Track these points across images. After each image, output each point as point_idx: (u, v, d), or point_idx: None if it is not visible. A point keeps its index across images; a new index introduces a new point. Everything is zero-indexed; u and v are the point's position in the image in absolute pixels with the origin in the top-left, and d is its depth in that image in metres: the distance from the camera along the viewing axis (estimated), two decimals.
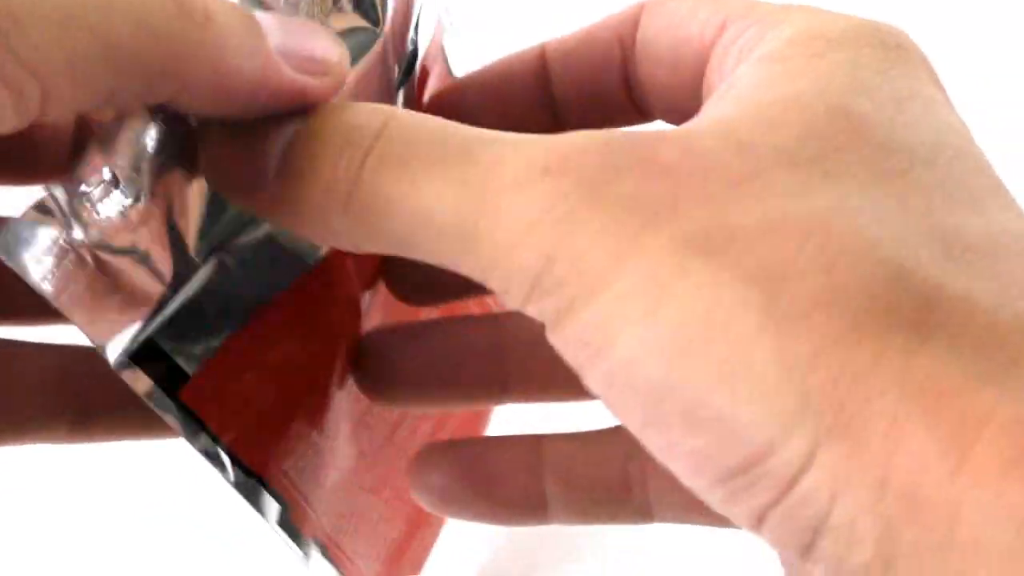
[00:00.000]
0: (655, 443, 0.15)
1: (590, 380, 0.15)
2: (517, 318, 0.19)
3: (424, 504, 0.24)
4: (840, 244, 0.14)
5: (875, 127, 0.16)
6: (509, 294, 0.15)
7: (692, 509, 0.22)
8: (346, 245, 0.17)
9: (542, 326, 0.16)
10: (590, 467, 0.23)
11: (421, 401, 0.25)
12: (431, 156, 0.16)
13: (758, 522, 0.15)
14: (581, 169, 0.15)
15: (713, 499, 0.15)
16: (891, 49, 0.17)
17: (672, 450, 0.15)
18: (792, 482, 0.14)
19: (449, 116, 0.18)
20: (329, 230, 0.16)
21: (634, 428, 0.15)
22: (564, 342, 0.15)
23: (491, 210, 0.15)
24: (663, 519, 0.23)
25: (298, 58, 0.16)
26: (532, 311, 0.15)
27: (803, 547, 0.15)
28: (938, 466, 0.13)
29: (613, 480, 0.22)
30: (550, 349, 0.16)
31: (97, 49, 0.14)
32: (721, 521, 0.20)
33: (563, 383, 0.22)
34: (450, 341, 0.24)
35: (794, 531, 0.14)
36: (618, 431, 0.22)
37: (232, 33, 0.15)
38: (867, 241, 0.15)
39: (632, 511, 0.22)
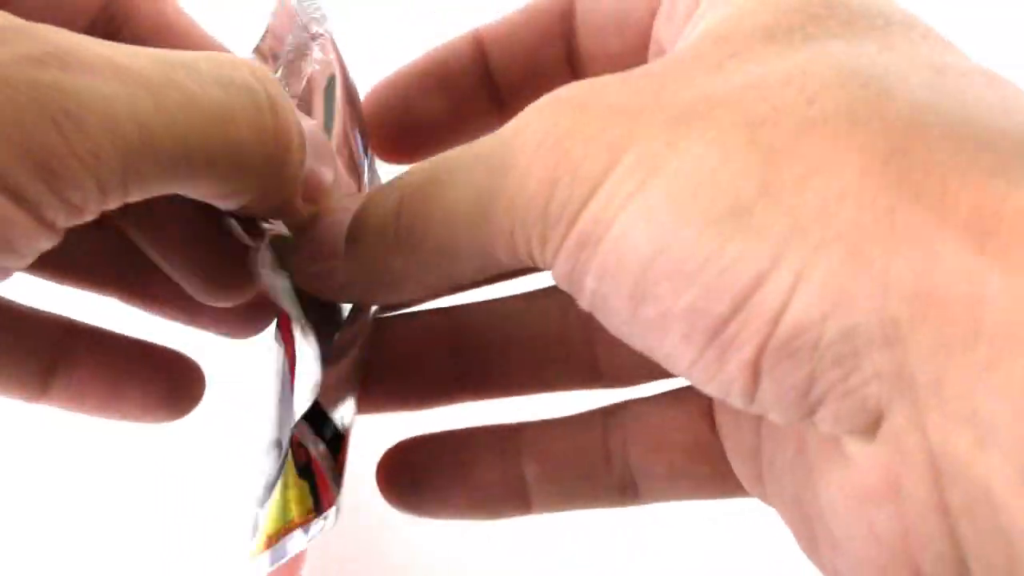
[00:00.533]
0: (646, 319, 0.15)
1: (587, 284, 0.16)
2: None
3: (397, 507, 0.23)
4: (821, 80, 0.15)
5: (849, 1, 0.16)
6: (532, 242, 0.16)
7: (676, 475, 0.21)
8: (412, 290, 0.19)
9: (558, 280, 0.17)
10: (568, 444, 0.22)
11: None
12: (438, 192, 0.17)
13: (752, 379, 0.15)
14: (570, 99, 0.16)
15: (705, 369, 0.15)
16: None
17: (663, 319, 0.15)
18: (781, 310, 0.14)
19: (392, 109, 0.21)
20: (392, 274, 0.18)
21: (625, 317, 0.16)
22: (567, 259, 0.16)
23: (498, 171, 0.16)
24: (647, 495, 0.22)
25: (312, 185, 0.19)
26: (550, 251, 0.16)
27: (801, 397, 0.14)
28: (954, 258, 0.13)
29: (593, 454, 0.22)
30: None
31: (181, 160, 0.16)
32: (708, 491, 0.21)
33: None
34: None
35: (789, 377, 0.14)
36: (594, 413, 0.22)
37: (301, 164, 0.18)
38: (849, 72, 0.15)
39: (615, 487, 0.22)
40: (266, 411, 0.21)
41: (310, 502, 0.20)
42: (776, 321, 0.14)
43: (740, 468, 0.20)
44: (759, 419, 0.19)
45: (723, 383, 0.15)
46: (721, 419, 0.21)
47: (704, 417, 0.21)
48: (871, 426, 0.14)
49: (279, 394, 0.21)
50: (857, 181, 0.14)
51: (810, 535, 0.17)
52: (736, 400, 0.15)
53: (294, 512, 0.20)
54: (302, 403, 0.19)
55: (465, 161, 0.17)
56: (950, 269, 0.13)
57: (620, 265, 0.15)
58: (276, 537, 0.20)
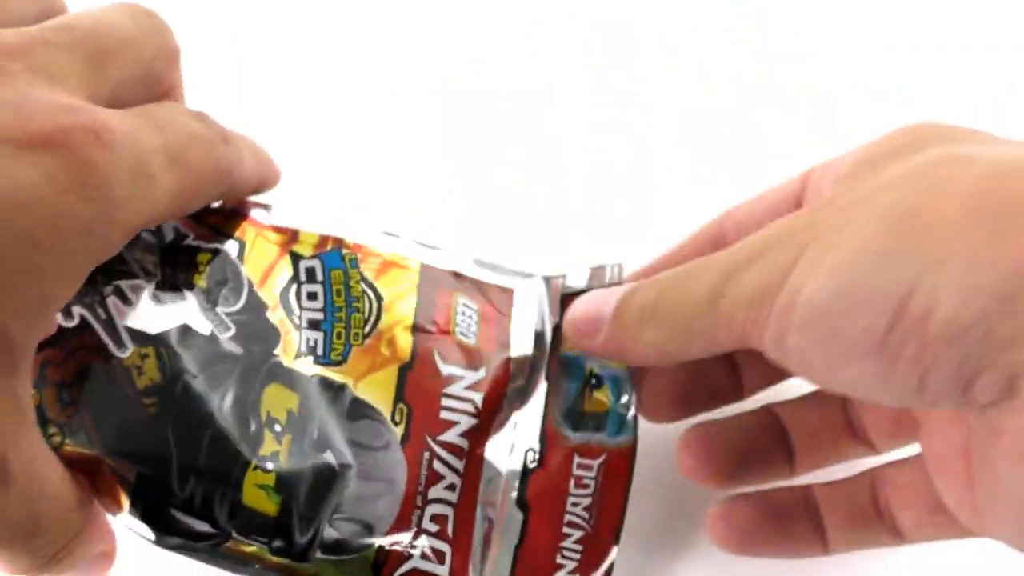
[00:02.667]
0: (836, 355, 0.21)
1: (790, 341, 0.22)
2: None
3: (732, 547, 0.29)
4: (911, 170, 0.22)
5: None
6: (747, 324, 0.23)
7: (923, 525, 0.27)
8: (655, 357, 0.26)
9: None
10: (849, 500, 0.28)
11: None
12: (685, 286, 0.25)
13: (918, 373, 0.20)
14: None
15: (885, 378, 0.21)
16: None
17: (847, 349, 0.21)
18: (929, 310, 0.19)
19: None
20: (643, 342, 0.25)
21: (822, 360, 0.21)
22: (774, 328, 0.22)
23: (724, 274, 0.24)
24: (912, 538, 0.27)
25: (268, 168, 0.28)
26: (760, 327, 0.22)
27: (959, 376, 0.20)
28: None
29: (867, 507, 0.28)
30: None
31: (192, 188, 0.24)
32: (945, 534, 0.27)
33: None
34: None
35: (947, 363, 0.20)
36: (864, 475, 0.28)
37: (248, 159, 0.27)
38: (958, 160, 0.21)
39: (887, 533, 0.28)
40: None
41: None
42: (927, 319, 0.19)
43: (962, 515, 0.25)
44: (968, 466, 0.24)
45: (899, 387, 0.21)
46: (940, 485, 0.26)
47: (869, 490, 0.28)
48: (1012, 391, 0.19)
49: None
50: (955, 221, 0.20)
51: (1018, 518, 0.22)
52: (912, 398, 0.21)
53: None
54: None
55: (703, 267, 0.24)
56: None
57: (811, 316, 0.21)
58: None
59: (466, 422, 0.28)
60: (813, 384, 0.23)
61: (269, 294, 0.28)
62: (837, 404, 0.29)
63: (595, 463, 0.28)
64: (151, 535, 0.25)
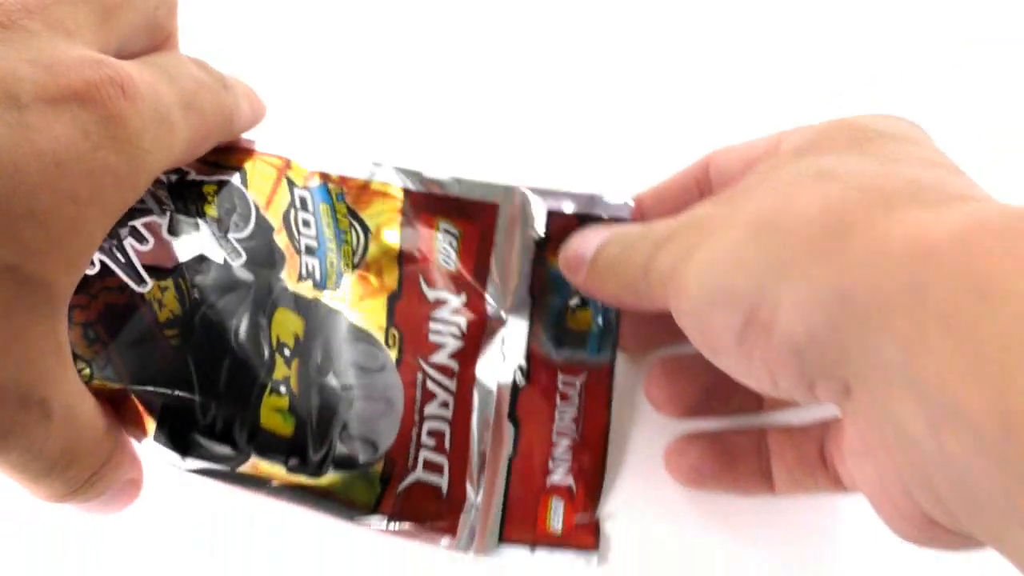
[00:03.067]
0: (708, 345, 0.24)
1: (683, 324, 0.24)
2: None
3: (682, 480, 0.31)
4: (803, 177, 0.23)
5: (859, 127, 0.25)
6: (664, 292, 0.25)
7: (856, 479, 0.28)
8: (612, 299, 0.28)
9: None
10: (798, 447, 0.29)
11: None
12: (631, 254, 0.27)
13: (769, 373, 0.22)
14: (671, 222, 0.26)
15: (746, 368, 0.23)
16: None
17: (717, 339, 0.23)
18: (772, 322, 0.21)
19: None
20: (608, 290, 0.28)
21: (699, 342, 0.24)
22: (672, 306, 0.24)
23: (653, 247, 0.26)
24: (852, 488, 0.28)
25: (259, 107, 0.29)
26: (672, 298, 0.24)
27: (801, 381, 0.22)
28: (867, 260, 0.20)
29: (814, 456, 0.29)
30: None
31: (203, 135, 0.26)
32: (822, 487, 0.29)
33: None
34: None
35: (790, 369, 0.21)
36: (811, 428, 0.30)
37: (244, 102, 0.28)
38: (817, 171, 0.23)
39: (830, 481, 0.29)
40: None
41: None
42: (771, 329, 0.21)
43: (847, 472, 0.27)
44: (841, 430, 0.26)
45: (756, 378, 0.23)
46: (829, 447, 0.28)
47: (817, 440, 0.29)
48: (847, 396, 0.21)
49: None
50: (802, 239, 0.21)
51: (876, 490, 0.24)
52: (767, 388, 0.23)
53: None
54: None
55: (646, 235, 0.27)
56: (858, 273, 0.20)
57: (690, 306, 0.23)
58: None
59: (453, 344, 0.30)
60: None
61: (274, 216, 0.29)
62: None
63: (578, 380, 0.31)
64: (176, 460, 0.27)
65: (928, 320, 0.18)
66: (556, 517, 0.30)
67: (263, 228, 0.28)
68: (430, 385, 0.30)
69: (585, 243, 0.29)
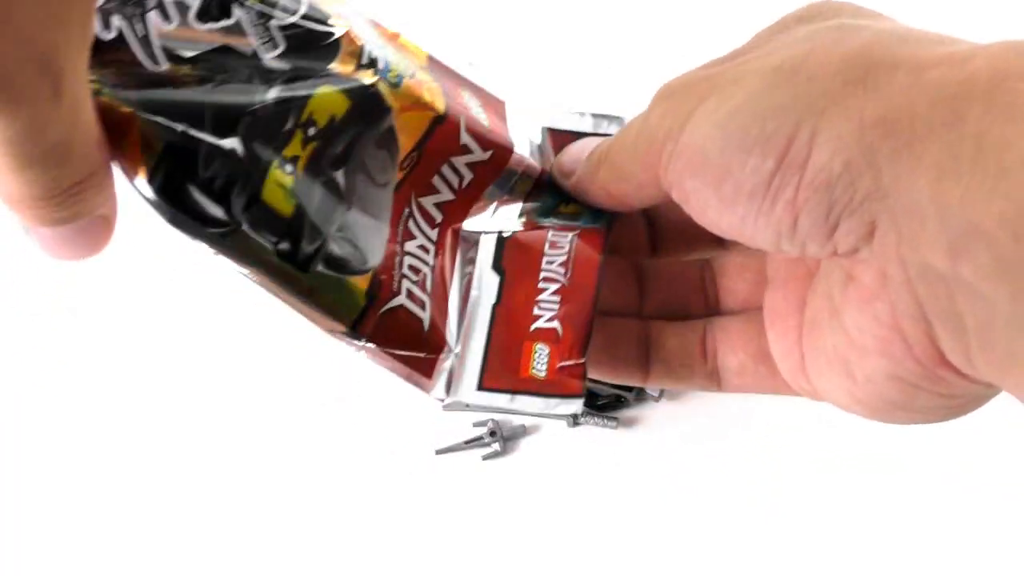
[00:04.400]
0: (725, 196, 0.24)
1: (687, 185, 0.25)
2: None
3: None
4: (805, 37, 0.24)
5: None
6: (659, 162, 0.26)
7: (744, 372, 0.30)
8: (605, 199, 0.29)
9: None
10: (680, 338, 0.31)
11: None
12: (618, 142, 0.28)
13: (793, 216, 0.23)
14: (678, 79, 0.26)
15: (764, 218, 0.23)
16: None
17: (736, 189, 0.23)
18: (807, 157, 0.22)
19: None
20: (599, 185, 0.29)
21: (713, 203, 0.24)
22: (674, 171, 0.25)
23: (640, 124, 0.27)
24: (729, 385, 0.31)
25: None
26: (665, 165, 0.25)
27: (824, 222, 0.22)
28: (898, 93, 0.21)
29: (694, 348, 0.31)
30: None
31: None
32: (765, 387, 0.30)
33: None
34: None
35: (817, 208, 0.22)
36: (692, 322, 0.31)
37: None
38: (848, 27, 0.23)
39: (705, 376, 0.30)
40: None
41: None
42: (804, 166, 0.22)
43: (785, 366, 0.28)
44: (800, 320, 0.28)
45: (775, 227, 0.23)
46: (772, 336, 0.29)
47: (762, 336, 0.30)
48: (868, 238, 0.22)
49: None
50: (834, 74, 0.22)
51: (847, 368, 0.25)
52: (785, 241, 0.23)
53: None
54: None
55: (637, 116, 0.27)
56: (896, 102, 0.21)
57: (706, 158, 0.24)
58: None
59: (445, 194, 0.30)
60: (709, 228, 0.25)
61: (331, 4, 0.27)
62: (696, 268, 0.33)
63: (569, 234, 0.30)
64: (165, 210, 0.25)
65: (962, 146, 0.20)
66: (540, 362, 0.29)
67: (315, 16, 0.27)
68: (411, 225, 0.29)
69: (579, 150, 0.30)
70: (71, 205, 0.22)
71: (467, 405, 0.29)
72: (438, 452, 0.68)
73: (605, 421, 0.69)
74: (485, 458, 0.68)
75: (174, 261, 0.76)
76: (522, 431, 0.70)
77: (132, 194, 0.24)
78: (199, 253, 0.26)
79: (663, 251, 0.33)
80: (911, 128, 0.21)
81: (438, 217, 0.30)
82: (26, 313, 0.75)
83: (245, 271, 0.26)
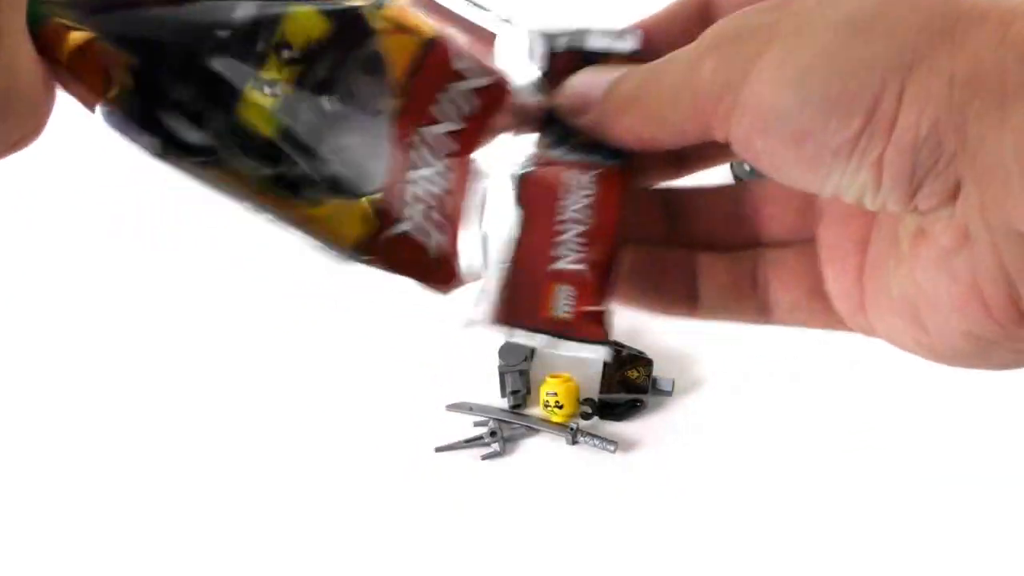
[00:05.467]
0: (806, 157, 0.22)
1: (756, 144, 0.23)
2: None
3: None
4: None
5: None
6: (714, 115, 0.24)
7: (797, 308, 0.29)
8: (630, 138, 0.27)
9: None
10: (729, 270, 0.29)
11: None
12: (656, 79, 0.26)
13: (878, 175, 0.22)
14: (729, 22, 0.24)
15: (849, 176, 0.22)
16: None
17: (818, 149, 0.22)
18: (894, 118, 0.21)
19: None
20: (624, 125, 0.27)
21: (790, 160, 0.23)
22: (738, 126, 0.23)
23: (687, 70, 0.25)
24: (780, 319, 0.29)
25: None
26: (724, 118, 0.24)
27: (908, 182, 0.21)
28: (989, 53, 0.20)
29: (744, 280, 0.29)
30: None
31: None
32: (818, 322, 0.28)
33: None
34: None
35: (902, 167, 0.21)
36: (742, 253, 0.30)
37: None
38: None
39: (756, 309, 0.29)
40: None
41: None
42: (892, 126, 0.21)
43: (843, 305, 0.27)
44: (862, 260, 0.27)
45: (860, 184, 0.22)
46: (830, 273, 0.28)
47: (817, 271, 0.28)
48: (951, 198, 0.21)
49: None
50: (919, 28, 0.21)
51: (915, 316, 0.25)
52: (868, 196, 0.22)
53: None
54: None
55: (675, 58, 0.25)
56: (984, 58, 0.20)
57: (780, 120, 0.22)
58: None
59: (451, 124, 0.28)
60: (782, 182, 0.24)
61: None
62: (729, 196, 0.31)
63: (589, 172, 0.29)
64: (136, 136, 0.24)
65: None
66: (560, 304, 0.28)
67: None
68: (417, 154, 0.28)
69: (591, 82, 0.27)
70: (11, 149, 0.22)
71: (508, 332, 0.28)
72: (438, 450, 0.68)
73: (605, 444, 0.67)
74: (484, 458, 0.67)
75: (171, 258, 0.77)
76: (522, 432, 0.69)
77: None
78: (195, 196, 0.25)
79: (686, 171, 0.31)
80: (1000, 86, 0.20)
81: (449, 147, 0.28)
82: (26, 313, 0.76)
83: (237, 202, 0.26)
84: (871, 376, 0.69)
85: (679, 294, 0.30)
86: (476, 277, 0.28)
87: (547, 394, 0.68)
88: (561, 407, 0.68)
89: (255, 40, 0.25)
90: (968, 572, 0.62)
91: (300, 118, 0.26)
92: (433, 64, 0.28)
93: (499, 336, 0.28)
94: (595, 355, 0.28)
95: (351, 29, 0.27)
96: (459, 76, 0.28)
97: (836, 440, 0.67)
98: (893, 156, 0.21)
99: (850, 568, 0.63)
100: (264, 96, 0.25)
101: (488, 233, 0.28)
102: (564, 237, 0.28)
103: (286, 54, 0.26)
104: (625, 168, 0.29)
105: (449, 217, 0.28)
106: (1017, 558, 0.62)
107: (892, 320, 0.26)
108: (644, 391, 0.69)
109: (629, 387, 0.69)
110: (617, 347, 0.71)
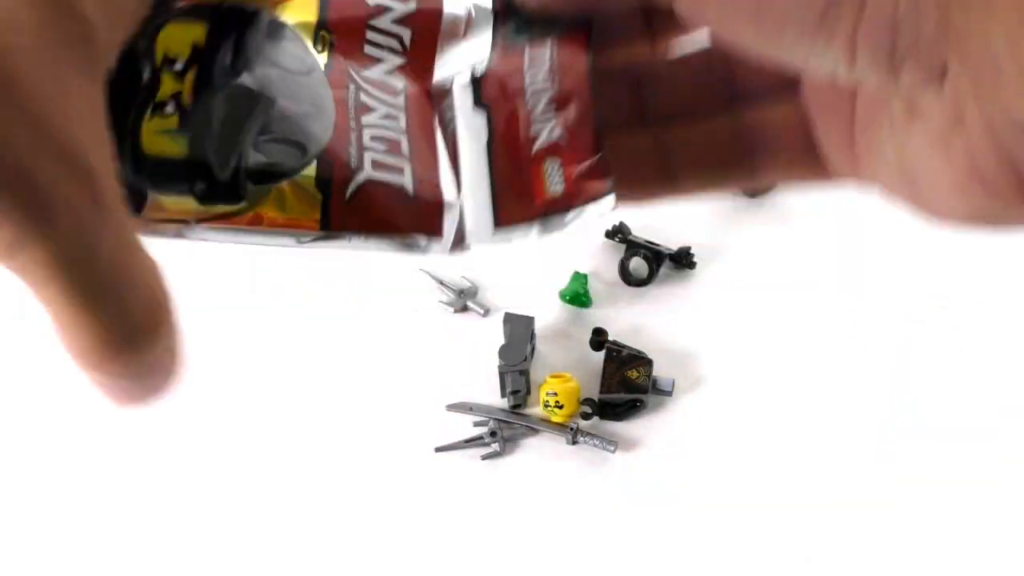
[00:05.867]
0: (768, 32, 0.22)
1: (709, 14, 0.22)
2: None
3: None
4: None
5: None
6: None
7: (793, 164, 0.28)
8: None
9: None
10: (708, 141, 0.28)
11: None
12: None
13: (852, 50, 0.21)
14: None
15: (818, 51, 0.21)
16: None
17: (782, 23, 0.21)
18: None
19: None
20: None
21: (751, 33, 0.22)
22: None
23: None
24: (774, 178, 0.28)
25: None
26: None
27: (888, 59, 0.20)
28: None
29: (726, 146, 0.28)
30: None
31: None
32: (809, 175, 0.27)
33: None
34: None
35: (879, 45, 0.20)
36: (716, 119, 0.28)
37: None
38: None
39: (745, 174, 0.28)
40: None
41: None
42: (863, 4, 0.20)
43: (836, 156, 0.27)
44: (853, 119, 0.25)
45: (832, 59, 0.21)
46: (821, 131, 0.27)
47: (807, 128, 0.27)
48: (938, 79, 0.20)
49: None
50: None
51: (910, 182, 0.24)
52: (842, 70, 0.21)
53: None
54: None
55: None
56: None
57: None
58: None
59: (392, 60, 0.27)
60: (744, 53, 0.23)
61: None
62: (702, 56, 0.29)
63: (547, 43, 0.27)
64: None
65: None
66: (554, 178, 0.27)
67: None
68: (364, 98, 0.27)
69: None
70: (143, 349, 0.18)
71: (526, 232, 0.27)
72: (438, 449, 0.68)
73: (605, 444, 0.67)
74: (484, 458, 0.67)
75: (170, 258, 0.77)
76: (522, 432, 0.69)
77: None
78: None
79: (660, 39, 0.29)
80: None
81: (398, 84, 0.27)
82: (26, 313, 0.76)
83: (185, 235, 0.25)
84: (871, 376, 0.69)
85: (652, 176, 0.28)
86: (464, 194, 0.27)
87: (547, 394, 0.68)
88: (561, 407, 0.68)
89: (139, 73, 0.25)
90: (968, 572, 0.62)
91: (214, 112, 0.25)
92: (340, 6, 0.26)
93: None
94: (604, 210, 0.27)
95: (226, 15, 0.26)
96: (379, 10, 0.26)
97: (836, 440, 0.67)
98: (868, 33, 0.20)
99: (850, 568, 0.63)
100: (165, 118, 0.25)
101: (464, 149, 0.27)
102: (536, 113, 0.27)
103: (177, 66, 0.25)
104: (585, 29, 0.27)
105: (420, 148, 0.27)
106: (1017, 558, 0.62)
107: (890, 183, 0.25)
108: (644, 391, 0.69)
109: (629, 387, 0.69)
110: (617, 347, 0.71)
